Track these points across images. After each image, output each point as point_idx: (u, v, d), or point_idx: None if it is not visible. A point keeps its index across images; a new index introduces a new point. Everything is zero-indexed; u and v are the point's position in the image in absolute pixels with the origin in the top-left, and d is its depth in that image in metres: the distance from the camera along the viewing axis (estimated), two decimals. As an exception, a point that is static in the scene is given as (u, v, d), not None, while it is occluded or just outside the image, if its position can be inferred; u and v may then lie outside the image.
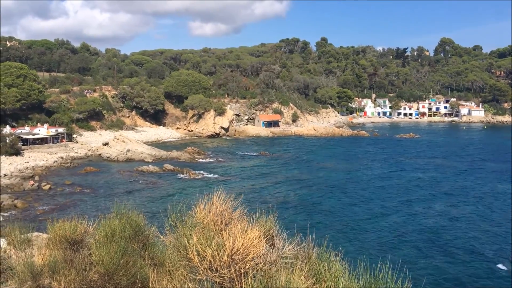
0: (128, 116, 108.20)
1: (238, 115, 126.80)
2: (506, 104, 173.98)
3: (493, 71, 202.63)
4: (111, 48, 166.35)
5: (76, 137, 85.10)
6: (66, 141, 79.50)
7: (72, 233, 5.46)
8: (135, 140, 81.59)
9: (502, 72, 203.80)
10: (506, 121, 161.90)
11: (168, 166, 62.61)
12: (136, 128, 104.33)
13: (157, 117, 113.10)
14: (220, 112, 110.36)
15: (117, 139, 77.01)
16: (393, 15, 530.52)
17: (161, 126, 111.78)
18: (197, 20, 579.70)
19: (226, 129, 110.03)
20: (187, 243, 4.11)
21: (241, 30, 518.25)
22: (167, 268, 4.53)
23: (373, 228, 35.32)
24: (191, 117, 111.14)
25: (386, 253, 27.92)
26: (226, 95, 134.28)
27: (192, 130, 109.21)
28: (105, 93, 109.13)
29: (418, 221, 37.45)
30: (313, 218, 36.85)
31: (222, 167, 65.10)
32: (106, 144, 76.73)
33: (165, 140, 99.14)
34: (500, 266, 27.34)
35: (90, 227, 5.82)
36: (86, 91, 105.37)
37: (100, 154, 73.62)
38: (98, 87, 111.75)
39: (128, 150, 72.41)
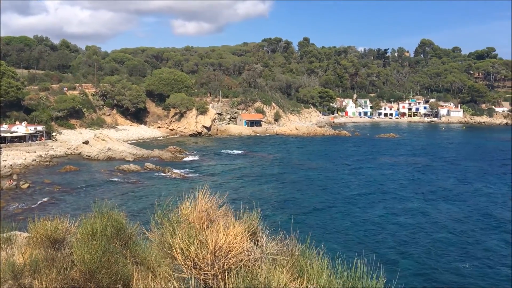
0: (109, 115, 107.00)
1: (220, 114, 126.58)
2: (484, 105, 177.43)
3: (471, 72, 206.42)
4: (92, 45, 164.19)
5: (56, 135, 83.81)
6: (45, 140, 78.23)
7: (54, 232, 5.40)
8: (116, 138, 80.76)
9: (480, 74, 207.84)
10: (484, 122, 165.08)
11: (149, 165, 62.16)
12: (117, 126, 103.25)
13: (138, 116, 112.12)
14: (202, 111, 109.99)
15: (98, 137, 76.10)
16: (374, 16, 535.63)
17: (143, 125, 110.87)
18: (180, 19, 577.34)
19: (208, 128, 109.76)
20: (171, 241, 4.12)
21: (224, 29, 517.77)
22: (150, 266, 4.53)
23: (354, 225, 35.69)
24: (173, 116, 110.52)
25: (365, 249, 28.25)
26: (209, 94, 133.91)
27: (174, 129, 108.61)
28: (85, 91, 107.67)
29: (396, 219, 37.97)
30: (296, 215, 37.06)
31: (205, 166, 64.92)
32: (86, 142, 75.78)
33: (147, 139, 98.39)
34: (466, 264, 27.89)
35: (72, 226, 5.77)
36: (66, 88, 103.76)
37: (80, 153, 72.68)
38: (78, 84, 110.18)
39: (109, 149, 71.64)
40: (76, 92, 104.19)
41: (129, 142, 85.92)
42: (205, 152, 79.40)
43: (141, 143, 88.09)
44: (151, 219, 4.81)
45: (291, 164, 68.05)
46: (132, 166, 61.31)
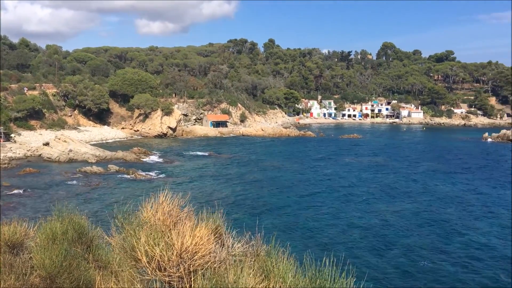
0: (71, 115, 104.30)
1: (185, 115, 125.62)
2: (443, 107, 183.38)
3: (431, 75, 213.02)
4: (53, 44, 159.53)
5: (15, 136, 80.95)
6: (3, 141, 75.44)
7: (12, 236, 5.22)
8: (78, 140, 78.80)
9: (439, 76, 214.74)
10: (443, 123, 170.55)
11: (113, 167, 60.97)
12: (79, 127, 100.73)
13: (101, 117, 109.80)
14: (168, 111, 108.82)
15: (59, 139, 74.01)
16: (338, 18, 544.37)
17: (106, 126, 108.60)
18: (144, 18, 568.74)
19: (174, 129, 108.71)
20: (134, 244, 4.05)
21: (189, 29, 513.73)
22: (113, 269, 4.43)
23: (319, 224, 36.13)
24: (137, 117, 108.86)
25: (331, 248, 28.65)
26: (174, 95, 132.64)
27: (138, 130, 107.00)
28: (46, 91, 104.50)
29: (360, 218, 38.69)
30: (262, 216, 37.19)
31: (170, 168, 64.25)
32: (46, 144, 73.52)
33: (110, 140, 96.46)
34: (423, 263, 28.76)
35: (31, 229, 5.59)
36: (26, 88, 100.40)
37: (40, 155, 70.49)
38: (38, 84, 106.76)
39: (70, 151, 69.82)
40: (36, 92, 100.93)
41: (91, 143, 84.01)
42: (170, 153, 78.60)
43: (104, 145, 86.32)
44: (112, 222, 4.71)
45: (257, 164, 68.26)
46: (95, 168, 59.97)
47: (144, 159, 71.20)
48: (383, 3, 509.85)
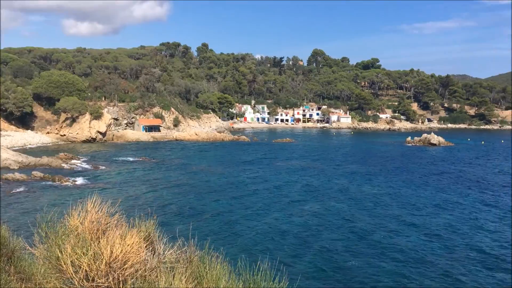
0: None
1: (116, 119, 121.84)
2: (369, 112, 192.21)
3: (358, 81, 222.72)
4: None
5: None
6: None
7: None
8: (-2, 145, 73.78)
9: (366, 83, 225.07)
10: (369, 127, 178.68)
11: (37, 174, 57.67)
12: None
13: (24, 121, 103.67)
14: (97, 115, 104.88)
15: (-24, 144, 68.91)
16: (270, 24, 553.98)
17: (29, 130, 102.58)
18: (72, 19, 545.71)
19: (103, 134, 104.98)
20: (59, 254, 3.86)
21: (120, 31, 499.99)
22: (37, 281, 4.20)
23: (252, 229, 36.37)
24: (64, 121, 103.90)
25: (265, 252, 28.95)
26: (103, 98, 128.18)
27: (65, 135, 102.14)
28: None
29: (292, 220, 39.44)
30: (196, 221, 36.80)
31: (99, 173, 61.91)
32: (-39, 150, 68.15)
33: (34, 146, 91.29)
34: (352, 262, 29.97)
35: None
36: None
37: (-46, 162, 65.17)
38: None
39: (-11, 157, 65.20)
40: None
41: (13, 149, 79.01)
42: (100, 159, 75.78)
43: (28, 150, 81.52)
44: (35, 232, 4.46)
45: (190, 169, 67.57)
46: (18, 175, 56.41)
47: (71, 165, 68.06)
48: (314, 10, 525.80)
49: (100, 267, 3.58)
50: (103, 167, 67.22)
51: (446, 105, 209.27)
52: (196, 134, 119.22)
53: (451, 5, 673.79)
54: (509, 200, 49.28)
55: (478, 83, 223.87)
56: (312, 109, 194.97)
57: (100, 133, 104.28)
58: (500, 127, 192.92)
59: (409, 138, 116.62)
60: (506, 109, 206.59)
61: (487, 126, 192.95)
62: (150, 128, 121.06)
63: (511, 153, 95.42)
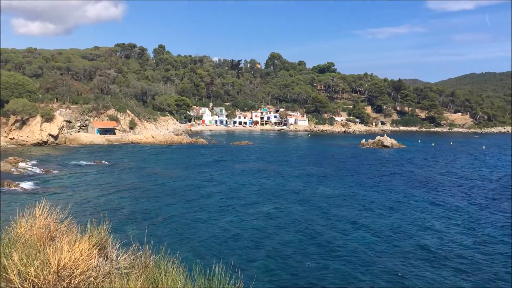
0: None
1: (69, 122, 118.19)
2: (325, 115, 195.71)
3: (315, 84, 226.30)
4: None
5: None
6: None
7: None
8: None
9: (322, 86, 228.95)
10: (326, 130, 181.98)
11: (-17, 179, 54.97)
12: None
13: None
14: (48, 118, 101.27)
15: None
16: (228, 27, 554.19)
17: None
18: (22, 18, 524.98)
19: (56, 137, 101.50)
20: (5, 263, 3.66)
21: (73, 31, 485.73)
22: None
23: (209, 232, 36.13)
24: (13, 124, 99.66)
25: (221, 255, 28.80)
26: (55, 100, 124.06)
27: (14, 138, 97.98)
28: None
29: (246, 223, 39.47)
30: (150, 226, 36.14)
31: (50, 178, 59.73)
32: None
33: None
34: (305, 263, 30.40)
35: None
36: None
37: None
38: None
39: None
40: None
41: (-43, 153, 75.02)
42: (51, 163, 73.15)
43: (-27, 154, 77.59)
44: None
45: (145, 172, 66.41)
46: (-39, 181, 53.57)
47: (20, 170, 65.33)
48: (271, 12, 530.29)
49: (47, 277, 3.42)
50: (54, 171, 64.96)
51: (398, 108, 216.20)
52: (153, 137, 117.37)
53: (403, 12, 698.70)
54: (454, 199, 51.42)
55: (428, 87, 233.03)
56: (270, 112, 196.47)
57: (52, 136, 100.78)
58: (449, 129, 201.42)
59: (363, 141, 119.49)
60: (455, 112, 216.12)
61: (437, 129, 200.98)
62: (104, 131, 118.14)
63: (458, 155, 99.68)
